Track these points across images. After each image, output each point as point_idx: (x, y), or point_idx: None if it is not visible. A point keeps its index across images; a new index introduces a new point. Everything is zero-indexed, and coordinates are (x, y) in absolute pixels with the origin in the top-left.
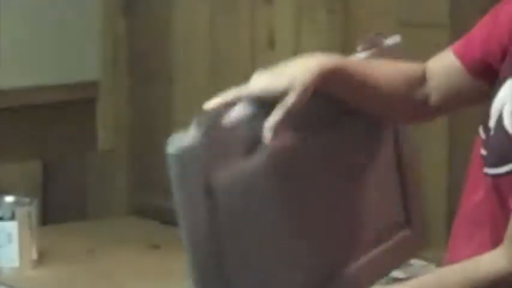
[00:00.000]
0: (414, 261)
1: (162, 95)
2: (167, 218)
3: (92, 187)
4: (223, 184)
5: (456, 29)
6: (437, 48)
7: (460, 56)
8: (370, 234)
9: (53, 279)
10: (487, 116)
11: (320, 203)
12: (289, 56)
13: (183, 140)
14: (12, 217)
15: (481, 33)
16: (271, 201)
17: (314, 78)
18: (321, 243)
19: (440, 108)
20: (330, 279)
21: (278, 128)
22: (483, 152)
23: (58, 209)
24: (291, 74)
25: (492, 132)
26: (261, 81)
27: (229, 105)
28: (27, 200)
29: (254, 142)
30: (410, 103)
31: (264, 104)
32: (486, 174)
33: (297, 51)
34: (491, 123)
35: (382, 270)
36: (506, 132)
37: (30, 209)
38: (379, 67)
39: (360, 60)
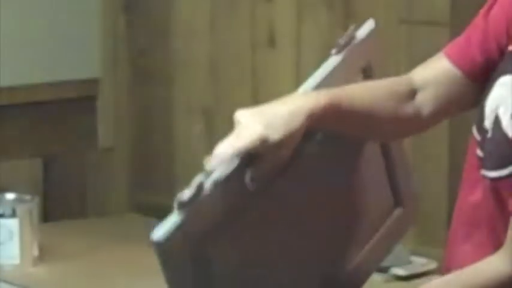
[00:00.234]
0: (415, 259)
1: (162, 92)
2: (167, 216)
3: (92, 185)
4: (219, 250)
5: (456, 27)
6: (437, 45)
7: (459, 62)
8: (365, 227)
9: (53, 276)
10: (480, 115)
11: (315, 220)
12: (289, 53)
13: (165, 225)
14: (13, 214)
15: (476, 35)
16: (267, 242)
17: (301, 128)
18: (320, 255)
19: (437, 117)
20: (331, 280)
21: (260, 177)
22: (479, 153)
23: (58, 206)
24: (283, 124)
25: (489, 135)
26: (251, 133)
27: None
28: (28, 197)
29: (242, 198)
30: (401, 120)
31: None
32: (484, 177)
33: (297, 48)
34: (487, 124)
35: (379, 256)
36: (505, 135)
37: (31, 206)
38: (366, 91)
39: (345, 88)
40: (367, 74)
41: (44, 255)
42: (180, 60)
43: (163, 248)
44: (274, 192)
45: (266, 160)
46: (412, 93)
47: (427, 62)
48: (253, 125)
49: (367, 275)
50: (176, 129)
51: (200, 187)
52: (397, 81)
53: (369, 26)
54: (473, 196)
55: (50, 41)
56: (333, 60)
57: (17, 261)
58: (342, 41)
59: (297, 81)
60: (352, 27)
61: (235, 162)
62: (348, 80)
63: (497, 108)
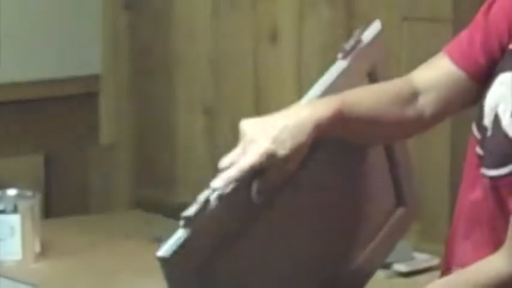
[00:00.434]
0: (417, 255)
1: (164, 88)
2: (169, 212)
3: (94, 180)
4: (224, 264)
5: (459, 23)
6: (440, 42)
7: (463, 64)
8: (369, 228)
9: (55, 272)
10: (480, 113)
11: (319, 223)
12: (291, 49)
13: (171, 241)
14: (15, 210)
15: (479, 35)
16: (272, 250)
17: (308, 140)
18: (323, 257)
19: (439, 117)
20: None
21: (267, 190)
22: (479, 151)
23: (60, 202)
24: (290, 139)
25: (489, 133)
26: (258, 149)
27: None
28: (29, 193)
29: (248, 211)
30: (404, 123)
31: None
32: (483, 175)
33: (299, 44)
34: (487, 122)
35: (382, 256)
36: (505, 134)
37: (33, 202)
38: (370, 96)
39: (349, 94)
40: (373, 77)
41: (46, 252)
42: (182, 57)
43: (169, 264)
44: (280, 202)
45: (272, 173)
46: (414, 96)
47: (429, 63)
48: (260, 139)
49: (370, 274)
50: (178, 126)
51: (206, 202)
52: (399, 85)
53: (375, 28)
54: (473, 194)
55: (51, 38)
56: (339, 65)
57: (18, 257)
58: (348, 45)
59: (299, 78)
60: (358, 30)
61: (241, 176)
62: (354, 85)
63: (496, 106)
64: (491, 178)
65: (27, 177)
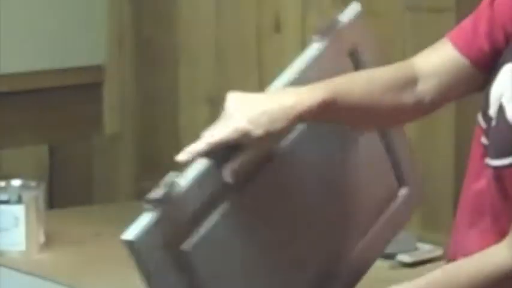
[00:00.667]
0: (421, 245)
1: (168, 78)
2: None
3: (98, 171)
4: (195, 246)
5: (462, 12)
6: (443, 31)
7: (466, 51)
8: (368, 211)
9: (59, 262)
10: (485, 102)
11: (305, 208)
12: (295, 39)
13: (136, 225)
14: (19, 201)
15: (483, 25)
16: (249, 237)
17: (284, 129)
18: (317, 244)
19: (439, 104)
20: (335, 267)
21: (240, 171)
22: (484, 140)
23: (64, 193)
24: (267, 123)
25: (494, 123)
26: (234, 125)
27: (200, 155)
28: (34, 183)
29: (216, 194)
30: (401, 109)
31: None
32: (487, 165)
33: (303, 34)
34: (492, 112)
35: (385, 239)
36: (509, 124)
37: (37, 193)
38: (363, 84)
39: (341, 82)
40: (355, 57)
41: (50, 242)
42: (186, 47)
43: (135, 248)
44: (259, 184)
45: (247, 153)
46: (414, 81)
47: (431, 48)
48: (237, 116)
49: (372, 260)
50: (182, 116)
51: (172, 185)
52: (398, 69)
53: (353, 9)
54: (477, 184)
55: (56, 28)
56: (315, 47)
57: (22, 247)
58: (324, 26)
59: None
60: (336, 13)
61: (210, 159)
62: (334, 66)
63: (501, 96)
64: (495, 168)
65: (32, 168)
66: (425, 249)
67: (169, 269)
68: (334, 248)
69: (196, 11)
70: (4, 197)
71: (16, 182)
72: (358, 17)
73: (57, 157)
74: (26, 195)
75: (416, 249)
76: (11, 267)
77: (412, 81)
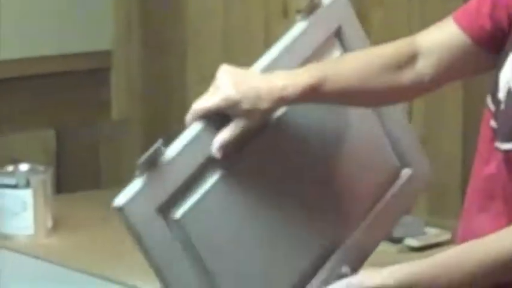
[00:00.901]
0: (428, 230)
1: (176, 64)
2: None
3: (105, 156)
4: (187, 213)
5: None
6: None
7: (468, 29)
8: (368, 191)
9: (67, 247)
10: (495, 86)
11: (301, 182)
12: None
13: (126, 191)
14: (27, 185)
15: (486, 5)
16: (243, 208)
17: (269, 110)
18: (314, 225)
19: (440, 82)
20: (338, 245)
21: (228, 145)
22: (493, 123)
23: (72, 177)
24: (253, 99)
25: (503, 107)
26: (223, 94)
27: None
28: (42, 168)
29: (206, 162)
30: (400, 87)
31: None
32: (497, 149)
33: None
34: (501, 95)
35: (394, 217)
36: None
37: (45, 177)
38: (357, 65)
39: (334, 65)
40: (340, 37)
41: (58, 226)
42: (194, 32)
43: (125, 214)
44: (252, 155)
45: (236, 125)
46: (413, 58)
47: (435, 26)
48: (228, 86)
49: (378, 240)
50: (189, 101)
51: (158, 150)
52: (399, 46)
53: None
54: (487, 168)
55: (63, 13)
56: (299, 26)
57: (30, 232)
58: (306, 6)
59: None
60: None
61: (200, 127)
62: (321, 44)
63: (510, 80)
64: (505, 152)
65: (39, 152)
66: (433, 234)
67: (162, 235)
68: (336, 225)
69: None
70: (12, 182)
71: (24, 167)
72: None
73: (65, 142)
74: (34, 180)
75: (424, 233)
76: (19, 251)
77: (412, 57)
